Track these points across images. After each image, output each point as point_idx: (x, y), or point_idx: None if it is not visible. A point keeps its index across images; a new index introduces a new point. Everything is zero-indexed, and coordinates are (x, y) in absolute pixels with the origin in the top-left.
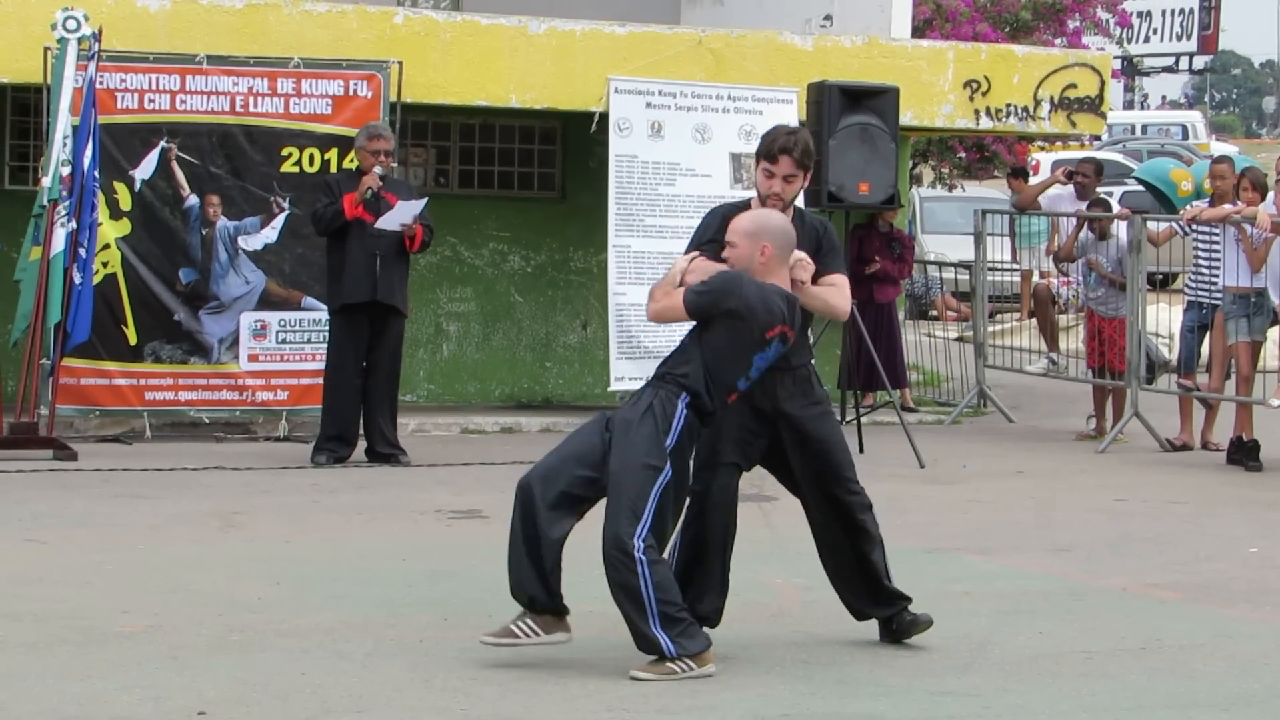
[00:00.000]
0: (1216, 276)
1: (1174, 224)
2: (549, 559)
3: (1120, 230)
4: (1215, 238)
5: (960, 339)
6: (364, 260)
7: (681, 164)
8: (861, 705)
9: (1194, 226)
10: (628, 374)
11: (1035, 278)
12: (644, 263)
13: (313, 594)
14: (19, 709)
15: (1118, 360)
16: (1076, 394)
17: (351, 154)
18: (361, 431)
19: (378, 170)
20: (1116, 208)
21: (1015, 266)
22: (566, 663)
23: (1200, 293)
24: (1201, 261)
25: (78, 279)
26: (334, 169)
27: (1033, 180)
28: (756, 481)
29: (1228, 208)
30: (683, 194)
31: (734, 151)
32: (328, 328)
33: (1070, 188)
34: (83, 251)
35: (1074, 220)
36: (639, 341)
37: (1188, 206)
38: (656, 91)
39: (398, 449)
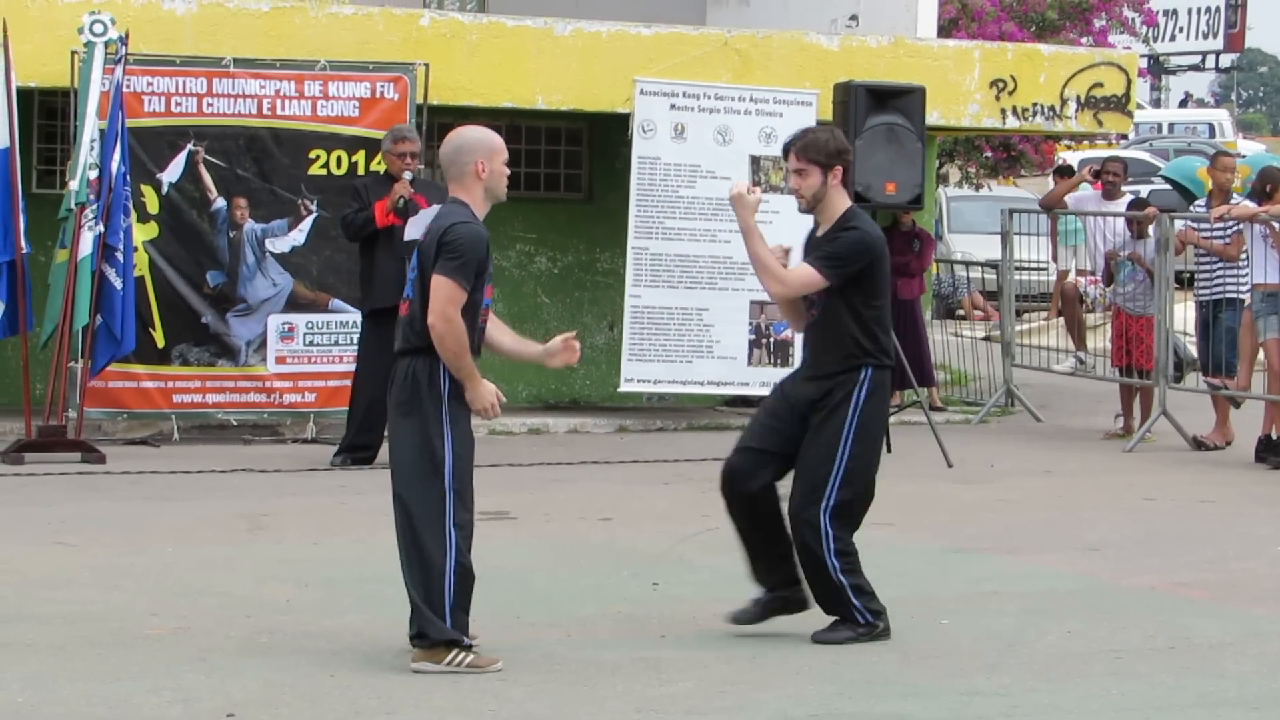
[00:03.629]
0: (1212, 274)
1: (1187, 224)
2: None
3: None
4: (1215, 234)
5: (988, 338)
6: (393, 266)
7: (702, 166)
8: (890, 705)
9: (1198, 225)
10: (637, 376)
11: (1070, 277)
12: (660, 265)
13: (341, 596)
14: (49, 711)
15: (1144, 359)
16: (1104, 393)
17: (379, 157)
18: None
19: (406, 175)
20: None
21: (1042, 265)
22: (595, 663)
23: (1213, 291)
24: (1202, 261)
25: (118, 284)
26: (361, 171)
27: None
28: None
29: (1251, 205)
30: (702, 196)
31: (754, 154)
32: (359, 331)
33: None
34: (120, 257)
35: (1100, 220)
36: (652, 344)
37: (1196, 206)
38: (680, 93)
39: None
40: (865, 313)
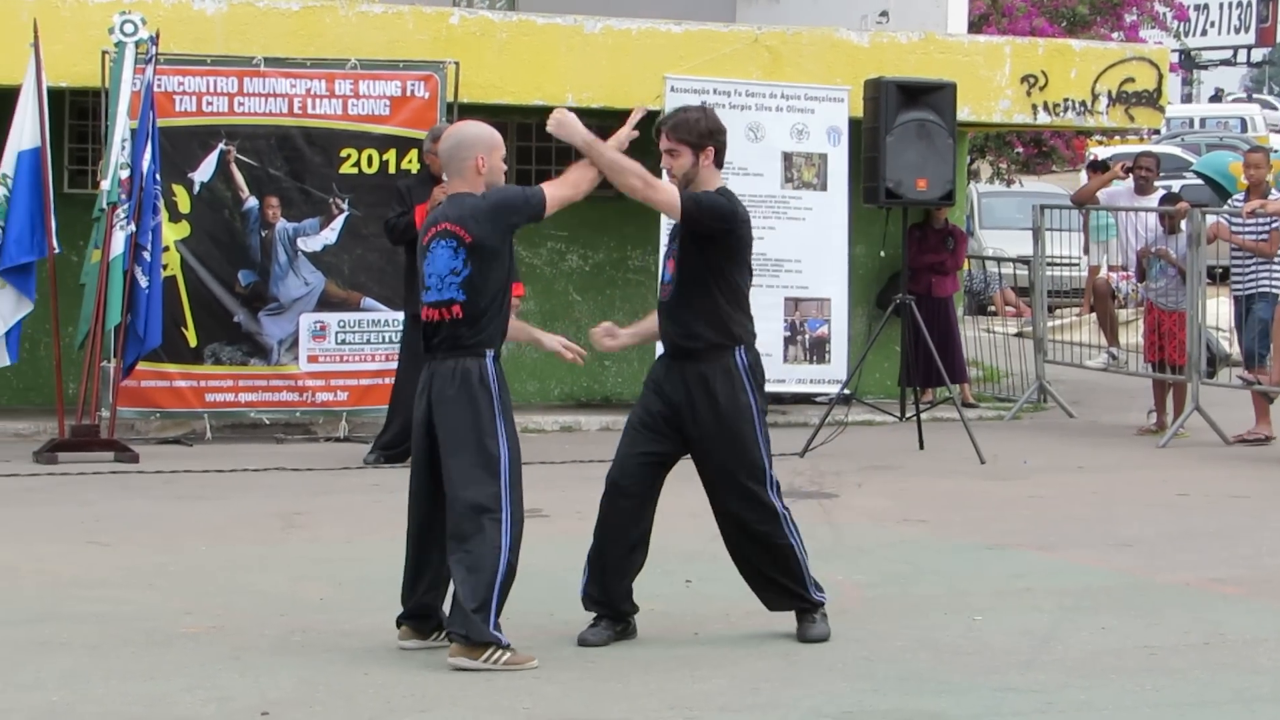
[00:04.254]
0: (1246, 269)
1: (1220, 219)
2: None
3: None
4: (1248, 230)
5: (1020, 334)
6: None
7: (734, 163)
8: (924, 702)
9: (1232, 220)
10: None
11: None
12: None
13: (375, 594)
14: (84, 709)
15: (1177, 354)
16: (1137, 389)
17: (411, 154)
18: None
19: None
20: None
21: (1074, 260)
22: (629, 661)
23: (1246, 286)
24: (1238, 255)
25: (144, 282)
26: (393, 170)
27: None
28: (816, 479)
29: None
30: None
31: (785, 150)
32: (399, 331)
33: (1129, 182)
34: (147, 255)
35: (1133, 215)
36: None
37: (1234, 201)
38: (712, 90)
39: None
40: (732, 282)
